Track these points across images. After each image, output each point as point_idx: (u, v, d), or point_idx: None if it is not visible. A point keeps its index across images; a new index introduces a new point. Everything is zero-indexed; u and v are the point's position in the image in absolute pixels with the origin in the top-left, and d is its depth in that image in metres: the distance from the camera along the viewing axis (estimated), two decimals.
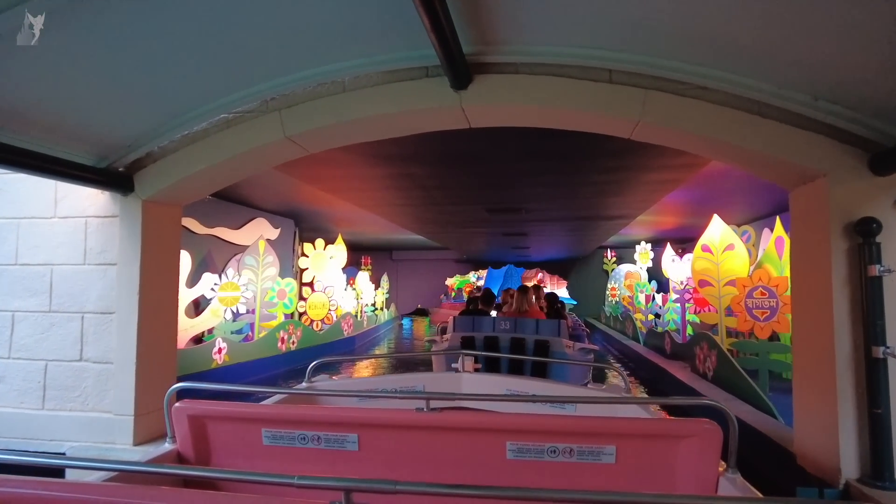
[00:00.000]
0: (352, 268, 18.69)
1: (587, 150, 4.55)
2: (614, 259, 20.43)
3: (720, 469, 1.66)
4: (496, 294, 7.08)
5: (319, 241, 11.85)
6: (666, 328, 10.59)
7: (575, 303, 20.68)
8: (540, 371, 5.03)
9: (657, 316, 11.80)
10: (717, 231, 7.21)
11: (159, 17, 2.48)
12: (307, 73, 3.36)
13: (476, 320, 5.76)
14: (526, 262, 22.82)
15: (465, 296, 22.10)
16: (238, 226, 10.55)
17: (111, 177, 3.64)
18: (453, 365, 3.55)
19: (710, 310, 8.67)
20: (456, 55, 2.82)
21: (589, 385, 3.39)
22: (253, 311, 9.06)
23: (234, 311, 8.87)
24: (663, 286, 13.86)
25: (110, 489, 1.26)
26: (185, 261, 7.40)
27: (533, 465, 1.69)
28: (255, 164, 3.92)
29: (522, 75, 3.19)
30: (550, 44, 3.03)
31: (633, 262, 16.85)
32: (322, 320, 11.21)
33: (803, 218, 3.23)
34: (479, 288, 21.85)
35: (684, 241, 16.19)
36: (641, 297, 12.33)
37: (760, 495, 1.54)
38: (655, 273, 15.57)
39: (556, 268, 22.17)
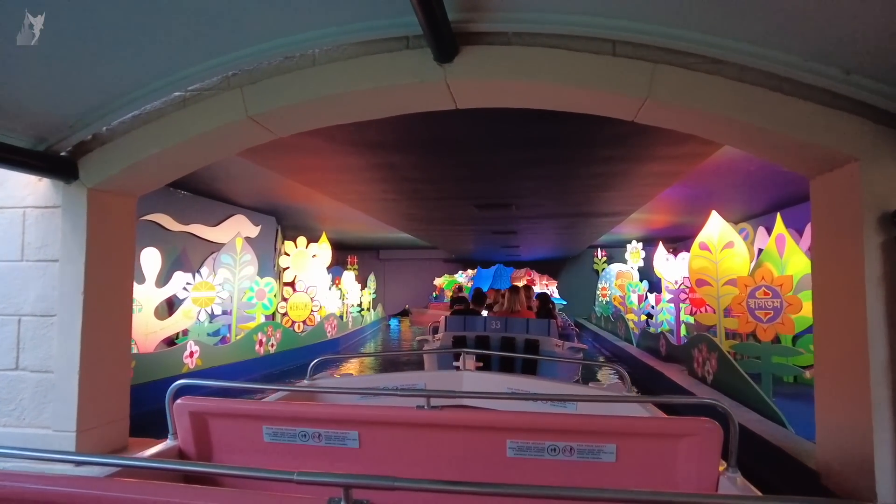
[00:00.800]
0: (337, 267, 18.27)
1: (582, 138, 4.21)
2: (605, 258, 20.20)
3: (721, 468, 1.64)
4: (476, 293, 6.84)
5: (301, 239, 11.42)
6: (659, 329, 10.31)
7: (565, 303, 20.39)
8: (530, 369, 5.07)
9: (649, 316, 11.52)
10: (716, 228, 6.91)
11: None
12: (272, 44, 2.97)
13: (468, 320, 5.86)
14: (515, 262, 22.51)
15: (447, 297, 21.90)
16: (215, 223, 10.10)
17: (51, 162, 3.21)
18: (454, 364, 3.57)
19: (707, 310, 8.40)
20: (440, 22, 2.45)
21: (590, 384, 3.39)
22: (230, 313, 8.62)
23: (210, 312, 8.42)
24: (654, 286, 13.62)
25: (112, 484, 1.26)
26: (156, 259, 6.96)
27: (533, 463, 1.69)
28: (216, 149, 3.52)
29: (515, 46, 2.82)
30: (547, 10, 2.67)
31: (624, 261, 16.61)
32: (304, 322, 10.78)
33: (828, 209, 2.90)
34: (460, 288, 21.61)
35: (676, 241, 16.00)
36: (634, 297, 12.05)
37: (760, 494, 1.51)
38: (646, 273, 15.34)
39: (546, 267, 21.88)
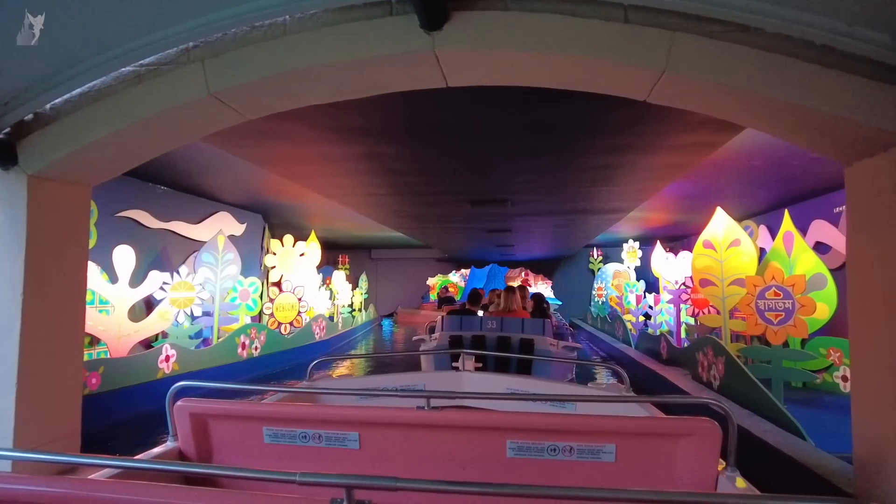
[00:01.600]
0: (328, 267, 17.87)
1: (584, 125, 3.85)
2: (600, 258, 19.89)
3: (720, 467, 1.64)
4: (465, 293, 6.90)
5: (288, 238, 11.02)
6: (658, 330, 10.00)
7: (560, 303, 20.12)
8: (525, 368, 5.19)
9: (647, 317, 11.20)
10: (721, 226, 6.59)
11: None
12: (237, 10, 2.59)
13: (464, 320, 5.99)
14: (510, 262, 22.21)
15: (433, 296, 21.61)
16: (198, 220, 9.69)
17: None
18: (453, 364, 3.60)
19: (710, 311, 8.08)
20: None
21: (589, 384, 3.38)
22: (213, 314, 8.22)
23: (190, 313, 8.02)
24: (651, 286, 13.33)
25: (112, 485, 1.25)
26: (129, 257, 6.56)
27: (533, 463, 1.69)
28: (177, 132, 3.14)
29: (513, 12, 2.47)
30: None
31: (621, 261, 16.30)
32: (291, 323, 10.38)
33: (867, 198, 2.56)
34: (446, 289, 21.37)
35: (673, 240, 15.71)
36: (631, 298, 11.72)
37: (760, 493, 1.49)
38: (642, 272, 15.03)
39: (541, 267, 21.57)
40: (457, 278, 22.51)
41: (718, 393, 5.70)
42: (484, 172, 5.36)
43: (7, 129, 2.89)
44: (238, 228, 10.93)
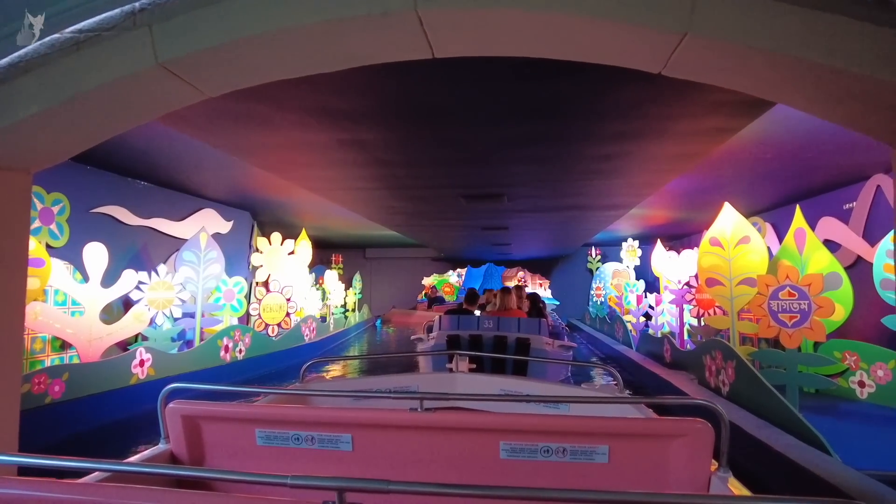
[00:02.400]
0: (320, 266, 17.48)
1: (585, 107, 3.46)
2: (599, 257, 19.54)
3: (712, 468, 1.63)
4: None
5: (276, 235, 10.62)
6: (659, 332, 9.65)
7: (557, 303, 19.77)
8: (520, 367, 5.30)
9: (647, 317, 10.85)
10: (729, 222, 6.24)
11: None
12: None
13: (461, 319, 6.07)
14: (507, 261, 21.85)
15: (424, 297, 21.33)
16: (180, 217, 9.28)
17: None
18: (447, 365, 3.57)
19: (716, 312, 7.73)
20: None
21: (582, 385, 3.37)
22: (194, 315, 7.82)
23: (169, 314, 7.63)
24: (650, 285, 12.99)
25: (102, 489, 1.23)
26: (101, 255, 6.16)
27: (526, 464, 1.68)
28: (125, 110, 2.76)
29: None
30: None
31: (619, 260, 15.95)
32: (279, 324, 9.99)
33: None
34: (434, 289, 21.13)
35: (674, 238, 15.38)
36: (632, 298, 11.37)
37: (751, 494, 1.51)
38: (641, 272, 14.69)
39: (539, 266, 21.21)
40: (455, 278, 22.16)
41: (728, 399, 5.34)
42: (477, 163, 4.99)
43: None
44: (224, 226, 10.53)
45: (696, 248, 9.55)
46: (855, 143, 5.98)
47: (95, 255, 6.08)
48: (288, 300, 10.24)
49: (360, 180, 5.83)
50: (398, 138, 4.14)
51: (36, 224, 6.21)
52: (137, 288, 7.07)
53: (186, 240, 8.39)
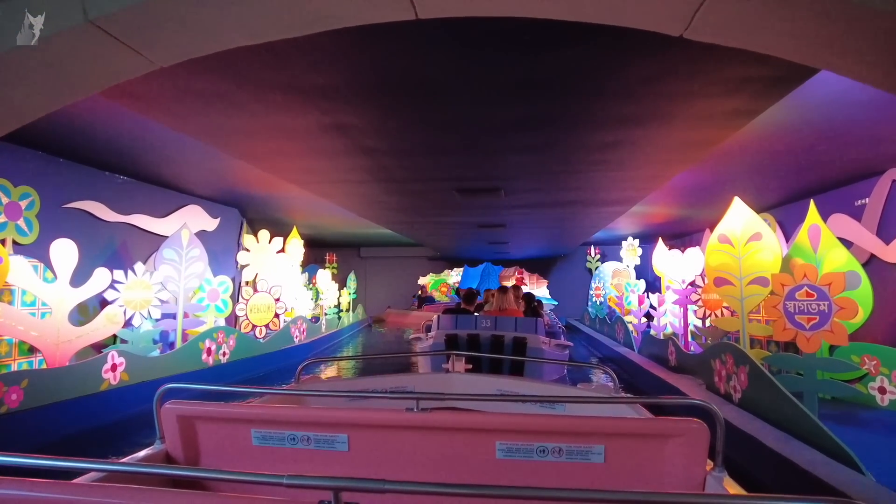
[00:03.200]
0: (313, 265, 17.13)
1: (589, 84, 3.08)
2: (598, 256, 19.19)
3: (707, 468, 1.63)
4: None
5: (263, 233, 10.23)
6: (661, 333, 9.29)
7: (556, 303, 19.44)
8: (517, 365, 5.49)
9: (649, 318, 10.50)
10: (739, 218, 5.87)
11: None
12: None
13: (459, 319, 6.24)
14: (504, 260, 21.51)
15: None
16: (163, 213, 8.90)
17: None
18: (443, 365, 3.55)
19: (724, 313, 7.39)
20: None
21: (578, 385, 3.35)
22: (175, 316, 7.44)
23: (147, 315, 7.25)
24: (651, 285, 12.65)
25: (97, 489, 1.23)
26: (71, 253, 5.77)
27: (522, 464, 1.68)
28: (58, 80, 2.38)
29: None
30: None
31: (619, 259, 15.60)
32: (266, 326, 9.60)
33: None
34: (424, 289, 21.00)
35: (675, 237, 15.06)
36: (633, 298, 11.01)
37: (746, 493, 1.46)
38: (642, 271, 14.37)
39: (537, 266, 20.85)
40: (455, 277, 21.84)
41: (739, 407, 4.99)
42: (471, 152, 4.61)
43: None
44: (211, 223, 10.16)
45: (697, 246, 9.23)
46: (873, 136, 5.63)
47: (64, 252, 5.69)
48: (277, 300, 9.86)
49: (346, 172, 5.44)
50: (383, 122, 3.77)
51: (1, 219, 5.83)
52: (113, 287, 6.70)
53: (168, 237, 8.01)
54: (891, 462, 3.72)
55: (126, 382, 5.81)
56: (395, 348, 12.35)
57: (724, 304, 7.20)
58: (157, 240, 8.41)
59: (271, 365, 8.88)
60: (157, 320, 7.47)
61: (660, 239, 10.26)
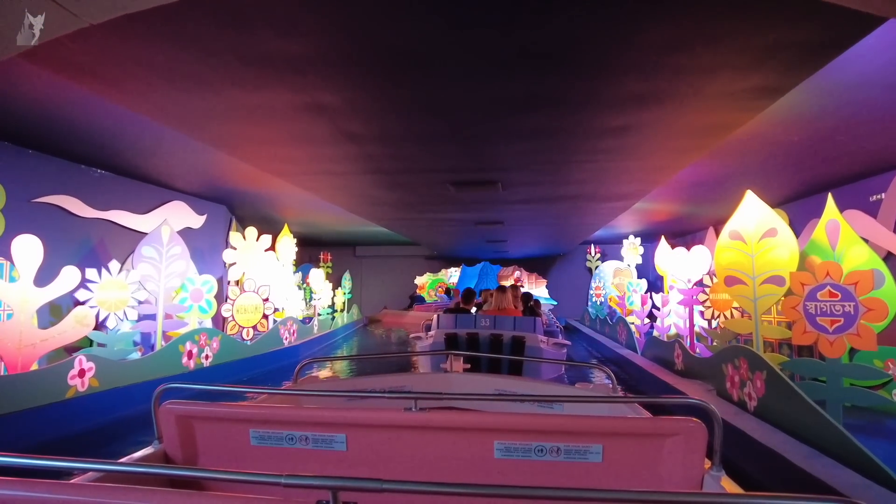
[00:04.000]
0: (307, 265, 16.76)
1: (595, 55, 2.69)
2: (598, 255, 18.82)
3: (705, 467, 1.63)
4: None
5: (251, 230, 9.83)
6: (664, 335, 8.92)
7: (555, 303, 19.08)
8: (516, 364, 5.59)
9: (652, 318, 10.12)
10: (752, 213, 5.51)
11: None
12: None
13: (459, 318, 6.41)
14: (502, 260, 21.14)
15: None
16: (145, 210, 8.51)
17: None
18: (442, 365, 3.55)
19: (734, 314, 7.02)
20: None
21: (577, 385, 3.32)
22: (155, 317, 7.04)
23: (123, 316, 6.87)
24: (652, 284, 12.28)
25: (95, 489, 1.22)
26: (35, 250, 5.37)
27: (521, 464, 1.69)
28: None
29: None
30: None
31: (619, 258, 15.22)
32: (254, 327, 9.21)
33: None
34: (414, 289, 20.87)
35: (676, 236, 14.70)
36: (635, 298, 10.64)
37: (744, 492, 1.49)
38: (642, 271, 14.00)
39: (536, 265, 20.48)
40: (452, 278, 21.50)
41: (756, 416, 4.61)
42: (465, 138, 4.20)
43: None
44: (196, 220, 9.76)
45: (700, 244, 8.86)
46: (893, 127, 5.27)
47: (26, 249, 5.29)
48: (265, 300, 9.46)
49: (329, 161, 5.03)
50: (364, 102, 3.37)
51: None
52: (85, 287, 6.30)
53: None
54: None
55: (96, 389, 5.41)
56: (392, 349, 12.10)
57: (734, 305, 6.83)
58: (139, 237, 7.97)
59: (258, 368, 8.48)
60: (135, 321, 7.08)
61: (662, 237, 9.89)
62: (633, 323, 10.16)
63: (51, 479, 1.13)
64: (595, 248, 18.92)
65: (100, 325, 6.50)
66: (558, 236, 13.68)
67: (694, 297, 7.92)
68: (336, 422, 1.76)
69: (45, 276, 5.60)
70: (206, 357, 7.32)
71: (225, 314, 8.91)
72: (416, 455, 1.74)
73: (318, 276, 13.65)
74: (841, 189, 7.83)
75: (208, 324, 8.63)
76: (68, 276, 5.64)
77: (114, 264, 6.68)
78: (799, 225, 8.77)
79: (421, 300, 20.53)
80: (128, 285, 6.76)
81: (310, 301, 13.57)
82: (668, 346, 7.44)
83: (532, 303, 8.45)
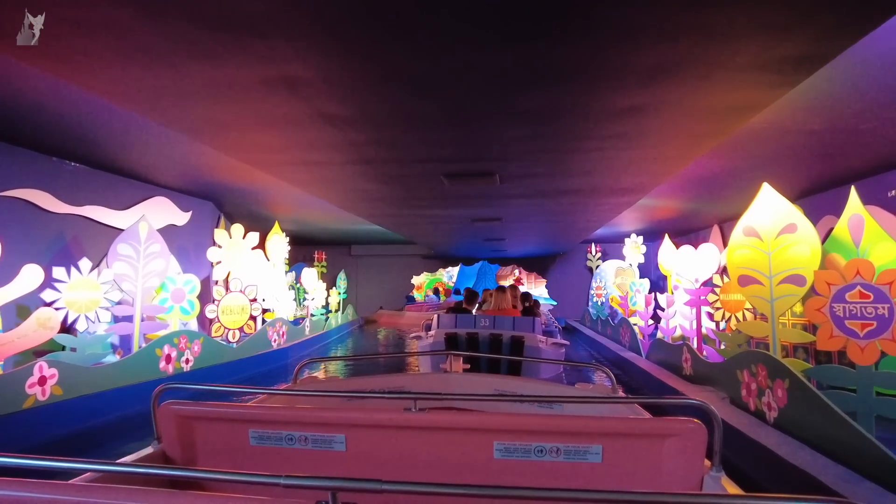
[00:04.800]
0: (300, 264, 16.37)
1: (612, 20, 2.32)
2: (599, 255, 18.42)
3: (705, 467, 1.63)
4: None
5: (236, 228, 9.42)
6: (670, 337, 8.51)
7: (555, 303, 18.70)
8: (515, 364, 5.65)
9: (656, 320, 9.71)
10: (769, 208, 5.11)
11: None
12: None
13: (459, 318, 6.51)
14: (501, 258, 20.75)
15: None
16: (125, 206, 8.10)
17: None
18: (441, 365, 3.56)
19: (745, 316, 6.61)
20: None
21: (576, 385, 3.28)
22: (131, 319, 6.62)
23: (95, 318, 6.45)
24: (654, 284, 11.87)
25: (95, 490, 1.22)
26: None
27: (520, 464, 1.70)
28: None
29: None
30: None
31: (621, 258, 14.81)
32: (241, 329, 8.79)
33: None
34: (409, 290, 20.80)
35: (679, 234, 14.31)
36: (639, 298, 10.23)
37: (744, 493, 1.44)
38: (644, 270, 13.59)
39: (535, 264, 20.07)
40: (446, 277, 21.17)
41: (776, 428, 4.21)
42: (457, 122, 3.78)
43: None
44: (181, 217, 9.36)
45: (706, 243, 8.46)
46: None
47: None
48: (252, 301, 9.04)
49: (310, 150, 4.60)
50: (339, 76, 2.95)
51: None
52: (52, 287, 5.89)
53: None
54: None
55: (59, 398, 4.99)
56: (389, 350, 11.80)
57: (747, 306, 6.43)
58: (117, 234, 7.60)
59: (243, 372, 8.07)
60: (110, 323, 6.67)
61: (666, 235, 9.49)
62: (636, 324, 9.76)
63: (50, 480, 1.11)
64: (596, 246, 18.52)
65: (69, 328, 6.08)
66: (558, 234, 13.27)
67: (702, 298, 7.53)
68: (335, 422, 1.76)
69: (6, 274, 5.19)
70: (187, 361, 6.91)
71: (209, 315, 8.49)
72: (415, 455, 1.74)
73: (310, 275, 13.23)
74: (858, 184, 7.44)
75: (193, 325, 8.23)
76: (29, 276, 5.23)
77: (84, 263, 6.25)
78: (814, 220, 8.39)
79: (411, 300, 20.40)
80: (99, 285, 6.35)
81: (302, 301, 13.15)
82: (676, 350, 7.04)
83: (530, 303, 8.39)
